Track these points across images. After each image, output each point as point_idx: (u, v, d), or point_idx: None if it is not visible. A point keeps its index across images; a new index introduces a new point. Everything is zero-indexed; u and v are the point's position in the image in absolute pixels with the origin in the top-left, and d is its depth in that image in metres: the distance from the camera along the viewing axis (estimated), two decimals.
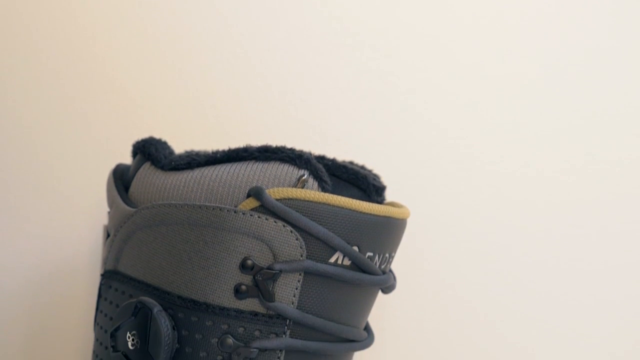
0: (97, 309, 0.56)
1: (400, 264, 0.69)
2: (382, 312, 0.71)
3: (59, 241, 0.71)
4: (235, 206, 0.50)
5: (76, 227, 0.71)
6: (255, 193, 0.49)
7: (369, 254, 0.51)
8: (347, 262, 0.50)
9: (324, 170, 0.51)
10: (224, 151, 0.53)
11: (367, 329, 0.57)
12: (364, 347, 0.54)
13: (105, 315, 0.54)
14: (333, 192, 0.52)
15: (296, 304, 0.50)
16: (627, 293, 0.72)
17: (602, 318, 0.72)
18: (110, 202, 0.56)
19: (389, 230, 0.52)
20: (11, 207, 0.71)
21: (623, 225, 0.71)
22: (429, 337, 0.72)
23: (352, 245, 0.50)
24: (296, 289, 0.50)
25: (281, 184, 0.50)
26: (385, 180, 0.60)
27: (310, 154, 0.51)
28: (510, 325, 0.72)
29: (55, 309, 0.71)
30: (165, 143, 0.57)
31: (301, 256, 0.49)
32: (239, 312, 0.49)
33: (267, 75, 0.71)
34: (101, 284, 0.56)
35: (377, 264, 0.52)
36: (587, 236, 0.71)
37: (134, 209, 0.53)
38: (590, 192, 0.71)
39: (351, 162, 0.58)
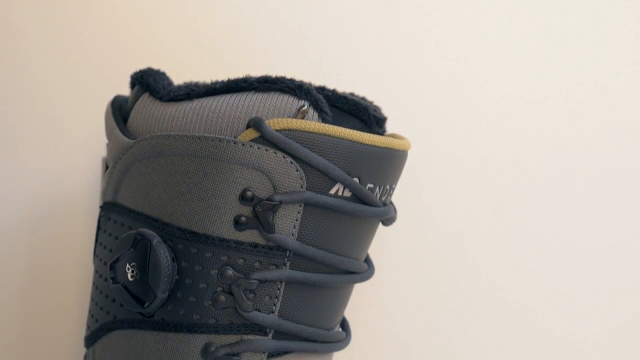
0: (96, 241, 0.56)
1: (400, 196, 0.69)
2: (382, 244, 0.71)
3: (57, 174, 0.70)
4: (235, 137, 0.49)
5: (74, 160, 0.70)
6: (255, 124, 0.48)
7: (370, 185, 0.51)
8: (347, 193, 0.50)
9: (324, 101, 0.51)
10: (223, 82, 0.52)
11: (368, 261, 0.57)
12: (365, 279, 0.55)
13: (105, 247, 0.54)
14: (333, 123, 0.52)
15: (296, 235, 0.50)
16: (634, 233, 0.72)
17: (608, 260, 0.72)
18: (109, 134, 0.56)
19: (389, 162, 0.52)
20: (9, 141, 0.70)
21: (632, 163, 0.71)
22: (430, 268, 0.72)
23: (352, 177, 0.50)
24: (296, 220, 0.49)
25: (281, 114, 0.49)
26: (386, 112, 0.60)
27: (310, 84, 0.51)
28: (509, 253, 0.72)
29: (55, 243, 0.71)
30: (163, 74, 0.56)
31: (301, 187, 0.49)
32: (239, 244, 0.49)
33: (267, 5, 0.70)
34: (100, 216, 0.56)
35: (378, 195, 0.52)
36: (593, 173, 0.71)
37: (132, 141, 0.53)
38: (598, 126, 0.71)
39: (352, 94, 0.57)
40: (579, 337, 0.72)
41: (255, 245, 0.49)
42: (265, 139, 0.48)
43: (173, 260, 0.50)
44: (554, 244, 0.72)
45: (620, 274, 0.72)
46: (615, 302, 0.72)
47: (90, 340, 0.55)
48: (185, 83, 0.55)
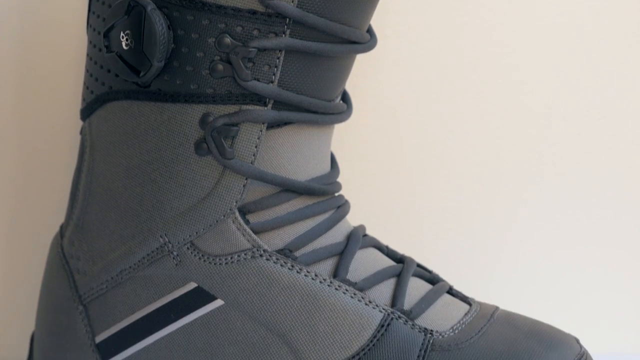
0: (89, 10, 0.55)
1: None
2: (384, 18, 0.70)
3: None
4: None
5: None
6: None
7: None
8: None
9: None
10: None
11: (370, 31, 0.56)
12: (367, 50, 0.53)
13: (98, 16, 0.53)
14: None
15: (296, 2, 0.48)
16: None
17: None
18: None
19: None
20: None
21: None
22: (431, 44, 0.71)
23: None
24: None
25: None
26: None
27: None
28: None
29: (48, 12, 0.69)
30: None
31: None
32: (237, 11, 0.48)
33: None
34: None
35: None
36: None
37: None
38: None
39: None
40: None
41: (254, 12, 0.48)
42: None
43: (169, 28, 0.49)
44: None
45: None
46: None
47: (86, 112, 0.55)
48: None
